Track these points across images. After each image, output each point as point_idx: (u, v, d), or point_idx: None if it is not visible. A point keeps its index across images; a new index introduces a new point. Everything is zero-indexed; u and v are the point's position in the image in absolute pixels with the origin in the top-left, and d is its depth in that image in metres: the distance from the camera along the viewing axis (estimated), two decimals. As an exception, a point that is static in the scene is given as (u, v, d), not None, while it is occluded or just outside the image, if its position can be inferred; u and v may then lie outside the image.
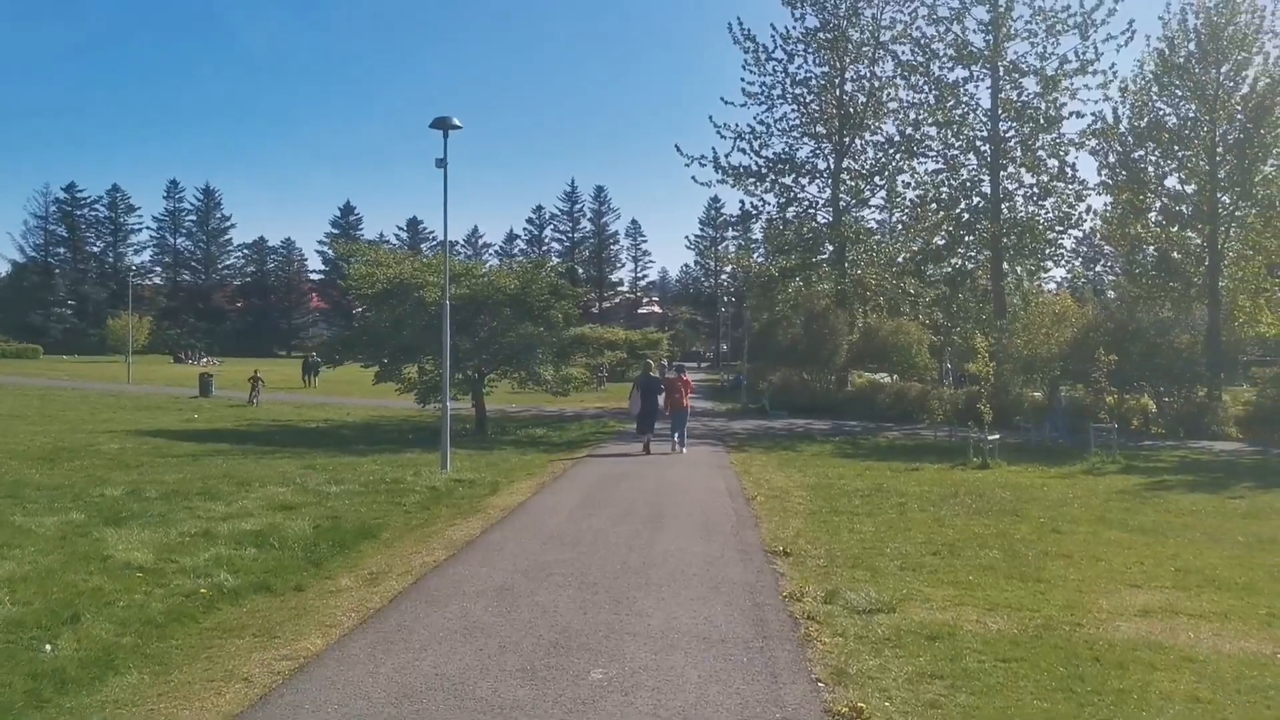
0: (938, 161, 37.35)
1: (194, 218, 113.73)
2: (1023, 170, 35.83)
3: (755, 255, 48.61)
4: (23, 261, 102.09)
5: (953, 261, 38.01)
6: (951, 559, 9.79)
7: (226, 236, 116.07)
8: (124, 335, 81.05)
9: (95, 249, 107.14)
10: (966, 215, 36.77)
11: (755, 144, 40.23)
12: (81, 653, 6.03)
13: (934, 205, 37.25)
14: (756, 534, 10.98)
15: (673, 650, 6.22)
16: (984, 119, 35.87)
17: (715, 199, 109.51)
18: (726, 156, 40.05)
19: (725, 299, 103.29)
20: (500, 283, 25.89)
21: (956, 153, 36.52)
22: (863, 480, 17.02)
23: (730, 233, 55.35)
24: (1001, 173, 35.90)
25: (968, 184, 36.55)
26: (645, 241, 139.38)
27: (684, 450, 20.98)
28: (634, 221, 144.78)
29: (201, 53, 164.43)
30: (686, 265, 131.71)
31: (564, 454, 21.24)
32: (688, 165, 40.07)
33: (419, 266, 25.99)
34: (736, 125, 40.52)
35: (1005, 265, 36.32)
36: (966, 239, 36.82)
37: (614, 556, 9.23)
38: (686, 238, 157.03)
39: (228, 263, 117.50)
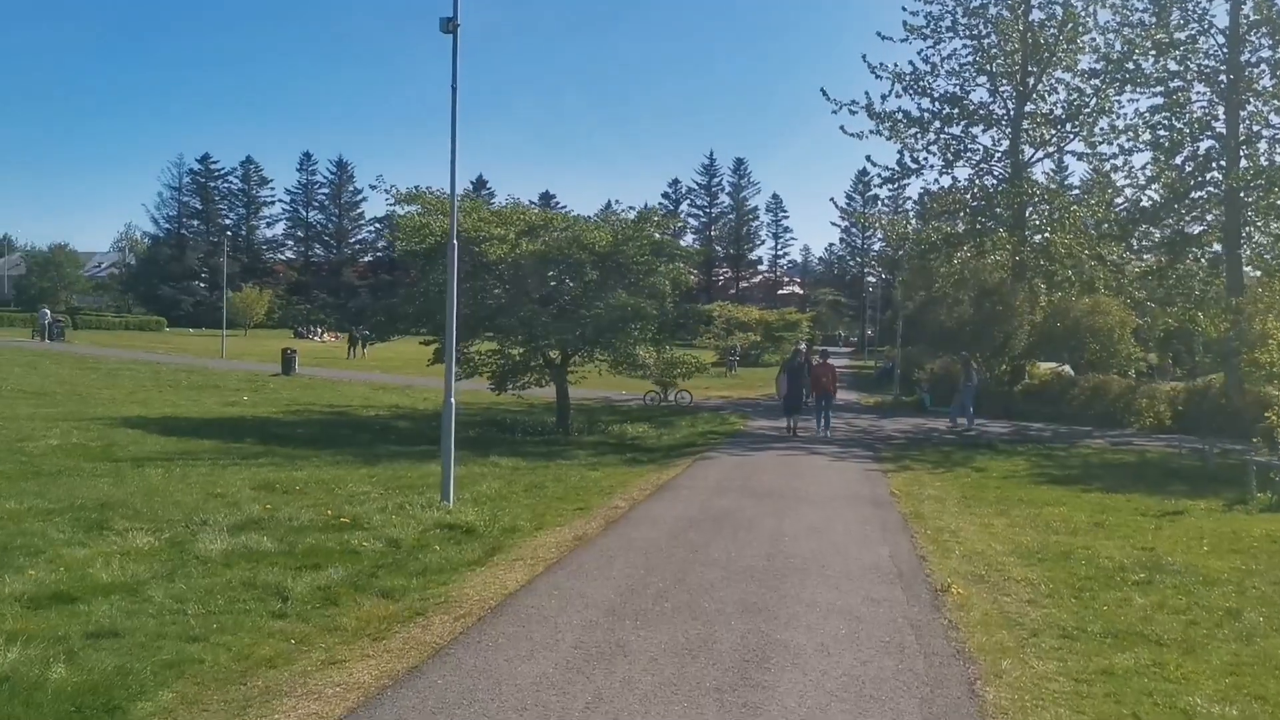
0: (1153, 96, 29.49)
1: (326, 191, 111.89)
2: (1271, 109, 27.71)
3: (910, 221, 41.30)
4: (158, 235, 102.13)
5: (1172, 222, 29.95)
6: None
7: (358, 211, 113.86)
8: (245, 309, 79.51)
9: (228, 221, 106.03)
10: (1191, 165, 28.85)
11: (918, 85, 33.22)
12: None
13: (1151, 152, 29.33)
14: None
15: None
16: (1219, 41, 27.93)
17: (864, 171, 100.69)
18: (883, 100, 33.13)
19: (875, 275, 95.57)
20: (588, 238, 20.00)
21: (1181, 84, 28.59)
22: (1110, 537, 10.51)
23: (884, 192, 48.07)
24: (1242, 110, 27.85)
25: (1195, 124, 28.58)
26: (786, 217, 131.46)
27: (829, 434, 21.25)
28: (775, 196, 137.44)
29: (334, 26, 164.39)
30: (831, 244, 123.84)
31: (652, 468, 15.30)
32: (835, 112, 33.10)
33: (485, 216, 20.34)
34: (895, 65, 33.48)
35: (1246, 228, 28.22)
36: (1192, 195, 28.86)
37: None
38: (831, 200, 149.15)
39: (359, 237, 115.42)
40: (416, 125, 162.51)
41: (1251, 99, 27.75)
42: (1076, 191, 33.64)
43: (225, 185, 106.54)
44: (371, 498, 11.26)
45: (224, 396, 26.63)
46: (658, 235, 21.65)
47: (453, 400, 10.97)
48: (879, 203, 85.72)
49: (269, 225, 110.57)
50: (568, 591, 7.10)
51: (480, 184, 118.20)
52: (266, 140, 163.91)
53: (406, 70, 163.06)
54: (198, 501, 10.63)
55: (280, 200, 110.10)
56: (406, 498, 11.11)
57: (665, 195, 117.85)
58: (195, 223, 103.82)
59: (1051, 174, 34.55)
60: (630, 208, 20.69)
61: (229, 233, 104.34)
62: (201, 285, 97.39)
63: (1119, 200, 31.25)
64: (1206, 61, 28.18)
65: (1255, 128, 27.99)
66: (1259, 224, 28.54)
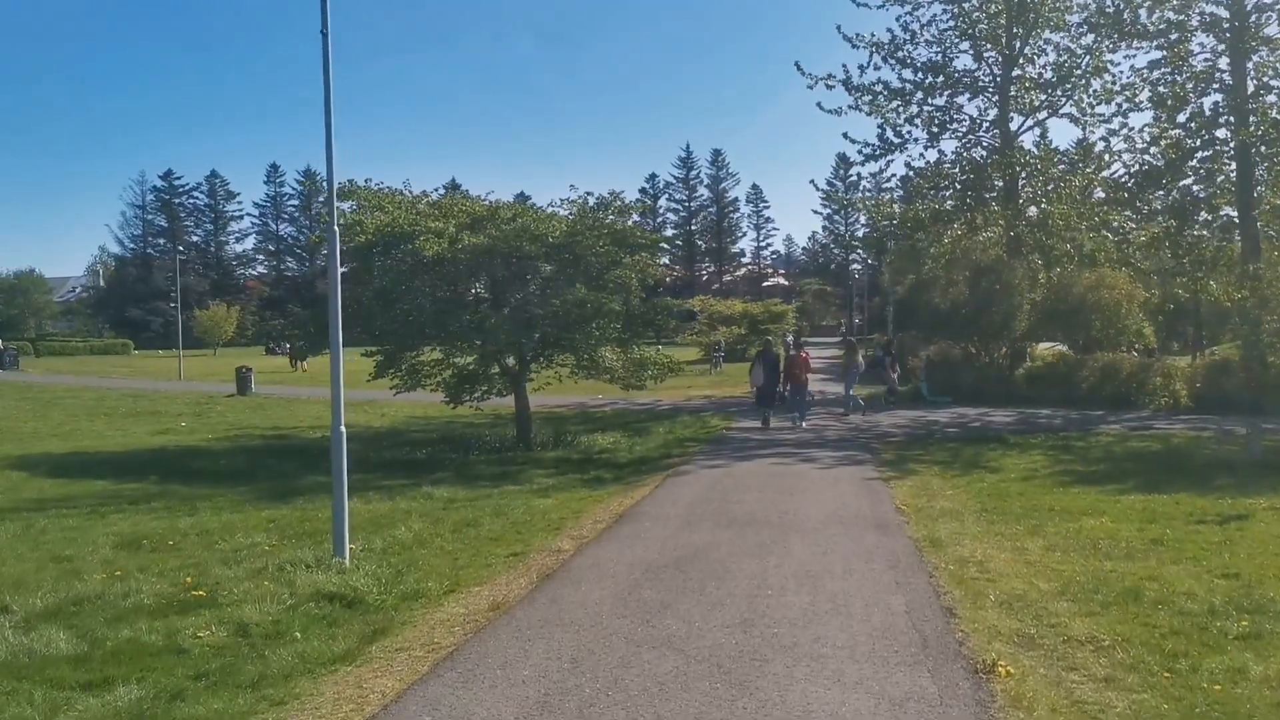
0: (1151, 50, 27.36)
1: (296, 203, 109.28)
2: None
3: (895, 199, 39.19)
4: (124, 255, 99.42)
5: (1177, 185, 27.78)
6: None
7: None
8: (213, 327, 76.93)
9: (195, 238, 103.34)
10: (1195, 123, 26.75)
11: (897, 54, 31.11)
12: None
13: (1152, 111, 27.22)
14: None
15: None
16: (1220, -14, 25.86)
17: (844, 155, 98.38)
18: (861, 72, 31.01)
19: (860, 262, 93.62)
20: (539, 228, 17.76)
21: (1180, 36, 26.44)
22: (1178, 559, 8.38)
23: (866, 170, 45.57)
24: (1248, 61, 25.78)
25: (1199, 78, 26.48)
26: (768, 208, 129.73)
27: (804, 425, 20.91)
28: (755, 186, 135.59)
29: (297, 31, 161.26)
30: (814, 233, 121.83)
31: (615, 490, 13.09)
32: (811, 87, 31.00)
33: (422, 209, 18.11)
34: (872, 35, 31.36)
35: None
36: (1198, 154, 26.75)
37: None
38: (811, 182, 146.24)
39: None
40: (390, 129, 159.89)
41: (1259, 48, 25.68)
42: (1063, 167, 31.45)
43: (190, 201, 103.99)
44: (257, 553, 9.04)
45: (159, 424, 24.35)
46: (625, 223, 19.42)
47: (343, 430, 8.75)
48: (861, 184, 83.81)
49: (238, 240, 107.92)
50: (447, 715, 4.87)
51: (454, 187, 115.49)
52: (232, 153, 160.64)
53: (376, 74, 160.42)
54: (29, 571, 8.42)
55: (249, 214, 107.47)
56: (297, 552, 8.88)
57: (643, 190, 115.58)
58: (161, 241, 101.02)
59: (1039, 143, 32.24)
60: (589, 193, 18.28)
61: (193, 250, 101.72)
62: (170, 305, 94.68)
63: (1117, 166, 29.20)
64: (1208, 8, 26.11)
65: (1265, 78, 25.90)
66: (1271, 182, 26.47)
